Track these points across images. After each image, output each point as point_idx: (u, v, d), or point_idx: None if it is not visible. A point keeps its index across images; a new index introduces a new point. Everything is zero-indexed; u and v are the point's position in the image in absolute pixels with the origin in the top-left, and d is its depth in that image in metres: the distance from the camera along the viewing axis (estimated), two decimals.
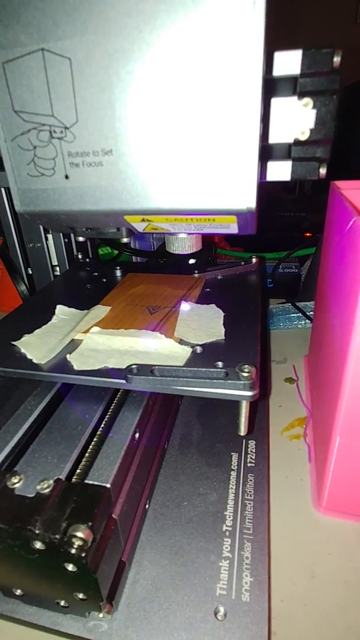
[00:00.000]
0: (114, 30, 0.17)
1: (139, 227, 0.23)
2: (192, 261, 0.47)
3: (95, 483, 0.19)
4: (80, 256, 0.44)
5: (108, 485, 0.19)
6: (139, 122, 0.19)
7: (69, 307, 0.32)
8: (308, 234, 0.67)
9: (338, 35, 1.51)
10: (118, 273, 0.39)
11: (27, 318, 0.31)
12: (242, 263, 0.38)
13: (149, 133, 0.19)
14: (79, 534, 0.17)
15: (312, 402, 0.37)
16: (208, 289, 0.35)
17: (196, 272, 0.38)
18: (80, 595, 0.19)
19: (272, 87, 0.24)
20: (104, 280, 0.38)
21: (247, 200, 0.19)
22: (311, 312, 0.50)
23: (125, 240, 0.25)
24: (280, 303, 0.53)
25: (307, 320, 0.50)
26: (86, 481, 0.19)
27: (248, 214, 0.20)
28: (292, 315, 0.51)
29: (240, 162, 0.19)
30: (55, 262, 0.45)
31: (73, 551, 0.17)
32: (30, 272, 0.46)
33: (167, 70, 0.18)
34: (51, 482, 0.19)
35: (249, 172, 0.19)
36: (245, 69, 0.17)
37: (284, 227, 0.74)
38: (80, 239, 0.27)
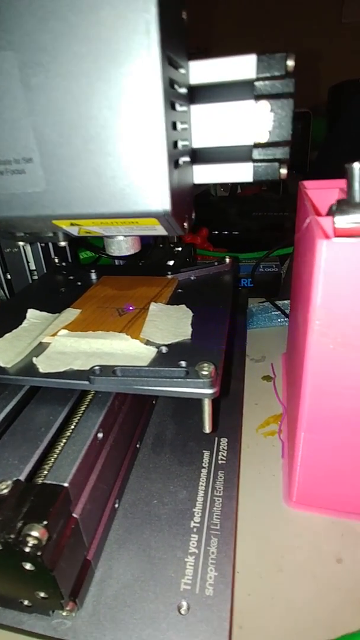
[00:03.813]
0: (22, 46, 0.18)
1: (72, 230, 0.24)
2: (170, 262, 0.47)
3: (53, 483, 0.19)
4: (57, 260, 0.44)
5: (65, 485, 0.19)
6: (52, 131, 0.20)
7: (42, 310, 0.33)
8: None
9: (323, 35, 1.53)
10: (93, 276, 0.40)
11: None
12: (216, 263, 0.39)
13: (63, 141, 0.20)
14: (34, 533, 0.17)
15: (287, 398, 0.38)
16: (180, 290, 0.36)
17: (169, 273, 0.38)
18: (42, 594, 0.20)
19: (225, 91, 0.25)
20: (79, 283, 0.39)
21: (162, 202, 0.20)
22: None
23: (62, 243, 0.26)
24: (261, 302, 0.54)
25: (286, 319, 0.50)
26: (45, 481, 0.20)
27: (166, 216, 0.21)
28: (272, 313, 0.52)
29: (151, 168, 0.20)
30: (33, 267, 0.45)
31: (28, 550, 0.17)
32: (9, 277, 0.46)
33: (73, 84, 0.19)
34: (9, 483, 0.19)
35: (161, 177, 0.20)
36: (145, 82, 0.18)
37: (267, 226, 0.75)
38: (21, 243, 0.27)
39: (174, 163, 0.22)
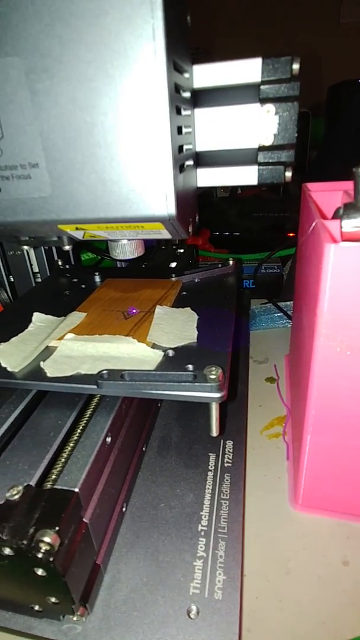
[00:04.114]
0: (28, 51, 0.18)
1: (77, 234, 0.24)
2: (173, 264, 0.48)
3: (64, 488, 0.19)
4: (60, 263, 0.44)
5: (76, 490, 0.19)
6: (58, 136, 0.20)
7: (47, 314, 0.33)
8: (291, 234, 0.68)
9: (321, 35, 1.53)
10: (97, 279, 0.40)
11: (4, 326, 0.31)
12: (219, 265, 0.39)
13: (69, 147, 0.20)
14: (46, 539, 0.17)
15: (291, 400, 0.38)
16: (184, 293, 0.36)
17: (173, 275, 0.38)
18: (53, 599, 0.20)
19: (231, 94, 0.25)
20: (83, 286, 0.39)
21: (168, 207, 0.20)
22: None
23: (67, 247, 0.26)
24: (263, 303, 0.54)
25: (288, 320, 0.51)
26: (55, 486, 0.20)
27: (171, 220, 0.21)
28: (274, 315, 0.52)
29: (157, 172, 0.20)
30: (36, 270, 0.45)
31: (40, 555, 0.17)
32: (12, 279, 0.46)
33: (79, 89, 0.19)
34: (20, 488, 0.19)
35: (166, 181, 0.20)
36: (151, 87, 0.18)
37: (268, 227, 0.75)
38: (25, 247, 0.28)
39: (179, 167, 0.22)
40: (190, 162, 0.25)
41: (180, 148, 0.22)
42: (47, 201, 0.21)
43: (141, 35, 0.17)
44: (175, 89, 0.20)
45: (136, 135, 0.19)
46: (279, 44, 1.48)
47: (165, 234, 0.24)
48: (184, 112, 0.23)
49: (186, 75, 0.23)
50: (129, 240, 0.27)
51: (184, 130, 0.24)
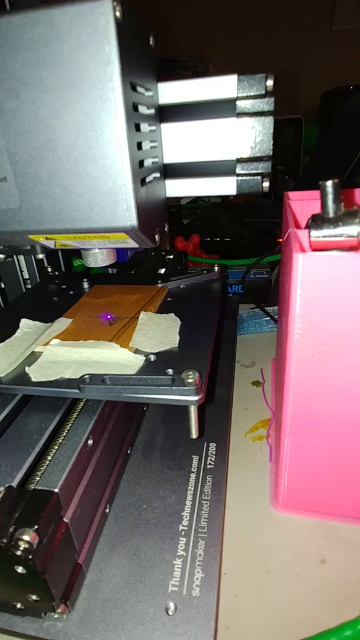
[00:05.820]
0: None
1: (48, 244, 0.25)
2: (161, 270, 0.48)
3: (44, 489, 0.20)
4: (49, 269, 0.45)
5: (56, 490, 0.20)
6: (24, 152, 0.21)
7: (35, 320, 0.34)
8: (280, 240, 0.69)
9: (314, 42, 1.55)
10: (85, 285, 0.41)
11: None
12: (205, 272, 0.40)
13: (34, 162, 0.21)
14: (25, 537, 0.18)
15: (275, 404, 0.39)
16: (170, 299, 0.36)
17: (159, 282, 0.39)
18: (34, 597, 0.20)
19: (209, 109, 0.26)
20: (71, 292, 0.39)
21: (130, 218, 0.21)
22: None
23: (40, 256, 0.27)
24: (251, 308, 0.55)
25: (275, 325, 0.51)
26: (36, 487, 0.20)
27: (134, 231, 0.22)
28: (262, 319, 0.53)
29: (117, 186, 0.21)
30: (26, 276, 0.46)
31: (19, 553, 0.18)
32: (2, 286, 0.47)
33: (43, 109, 0.20)
34: (2, 489, 0.20)
35: (127, 194, 0.21)
36: (107, 109, 0.20)
37: (259, 233, 0.76)
38: (1, 256, 0.29)
39: (141, 181, 0.23)
40: (156, 175, 0.26)
41: (141, 163, 0.23)
42: (16, 213, 0.22)
43: (97, 62, 0.18)
44: (134, 108, 0.21)
45: (96, 151, 0.21)
46: (272, 51, 1.50)
47: (131, 243, 0.25)
48: (145, 129, 0.24)
49: (148, 93, 0.24)
50: (100, 249, 0.28)
51: (149, 144, 0.25)
